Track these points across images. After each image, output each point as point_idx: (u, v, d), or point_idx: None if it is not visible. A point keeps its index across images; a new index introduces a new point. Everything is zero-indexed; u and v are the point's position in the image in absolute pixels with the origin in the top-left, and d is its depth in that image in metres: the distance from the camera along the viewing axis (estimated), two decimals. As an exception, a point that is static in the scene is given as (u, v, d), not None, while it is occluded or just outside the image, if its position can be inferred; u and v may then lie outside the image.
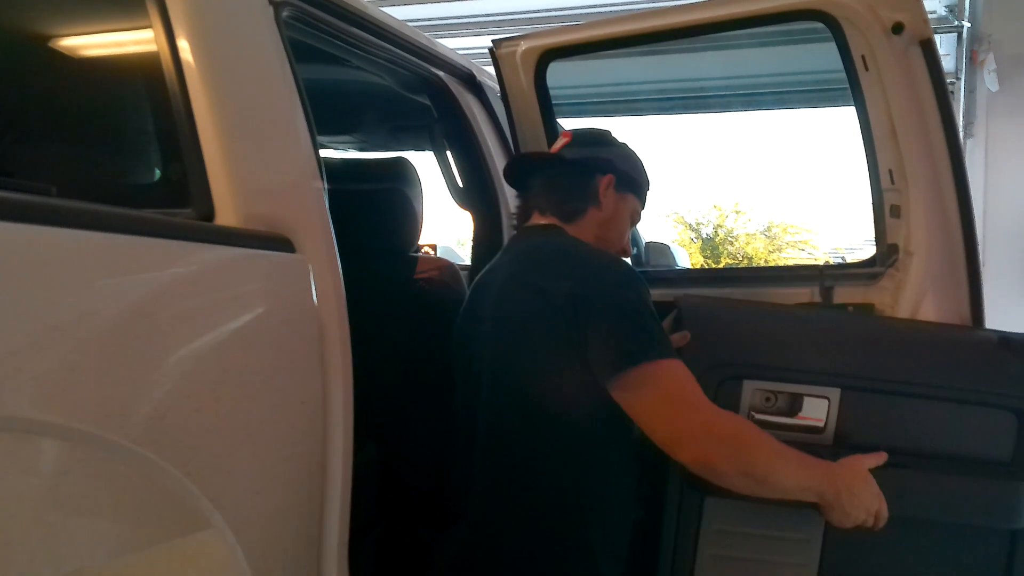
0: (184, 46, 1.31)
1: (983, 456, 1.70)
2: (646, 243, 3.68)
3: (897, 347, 1.78)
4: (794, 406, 1.73)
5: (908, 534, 1.71)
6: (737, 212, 19.24)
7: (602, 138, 1.95)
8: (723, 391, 1.72)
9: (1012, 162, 4.58)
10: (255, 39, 1.46)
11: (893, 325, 1.86)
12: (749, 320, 1.82)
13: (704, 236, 19.22)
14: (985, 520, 1.69)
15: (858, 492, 1.54)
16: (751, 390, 1.73)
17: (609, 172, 1.85)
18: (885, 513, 1.55)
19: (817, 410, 1.72)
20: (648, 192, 1.97)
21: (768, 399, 1.74)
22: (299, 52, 1.57)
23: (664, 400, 1.51)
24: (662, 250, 3.77)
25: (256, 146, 1.39)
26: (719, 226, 19.25)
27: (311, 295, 1.38)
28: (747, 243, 18.92)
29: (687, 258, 4.70)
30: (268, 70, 1.47)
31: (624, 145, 1.95)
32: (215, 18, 1.38)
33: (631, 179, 1.90)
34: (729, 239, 19.04)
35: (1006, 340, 1.73)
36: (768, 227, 19.01)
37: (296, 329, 1.35)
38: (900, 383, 1.72)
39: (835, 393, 1.72)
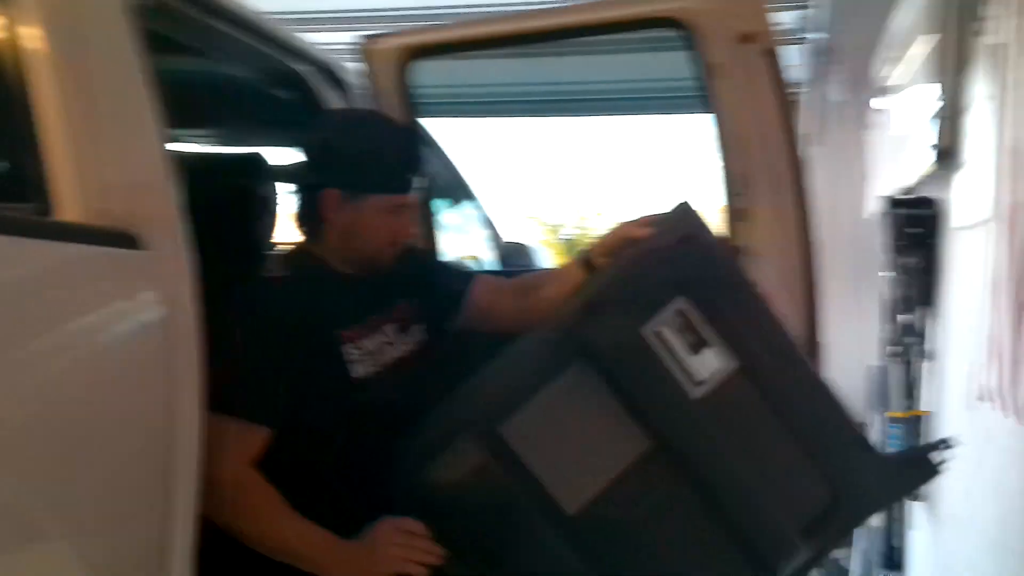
0: (25, 33, 1.24)
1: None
2: (507, 243, 3.72)
3: (809, 378, 1.86)
4: (697, 347, 1.75)
5: (675, 517, 1.77)
6: (596, 214, 19.64)
7: (324, 139, 1.80)
8: (661, 290, 1.75)
9: (856, 169, 4.82)
10: (103, 27, 1.40)
11: (813, 371, 1.93)
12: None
13: (565, 238, 19.54)
14: (728, 544, 1.76)
15: (368, 561, 1.64)
16: (684, 305, 1.75)
17: (333, 186, 1.72)
18: (415, 555, 1.64)
19: (708, 366, 1.76)
20: (402, 176, 1.78)
21: (684, 326, 1.75)
22: (152, 42, 1.51)
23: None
24: (522, 250, 3.83)
25: (103, 138, 1.33)
26: (580, 228, 19.61)
27: (159, 294, 1.33)
28: (608, 244, 19.28)
29: (548, 258, 4.77)
30: (117, 60, 1.41)
31: (355, 136, 1.79)
32: (61, 5, 1.32)
33: (366, 179, 1.74)
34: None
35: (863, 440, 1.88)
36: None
37: (143, 329, 1.31)
38: (785, 402, 1.80)
39: (733, 365, 1.77)
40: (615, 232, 1.90)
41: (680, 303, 1.76)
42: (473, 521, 1.70)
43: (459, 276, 2.09)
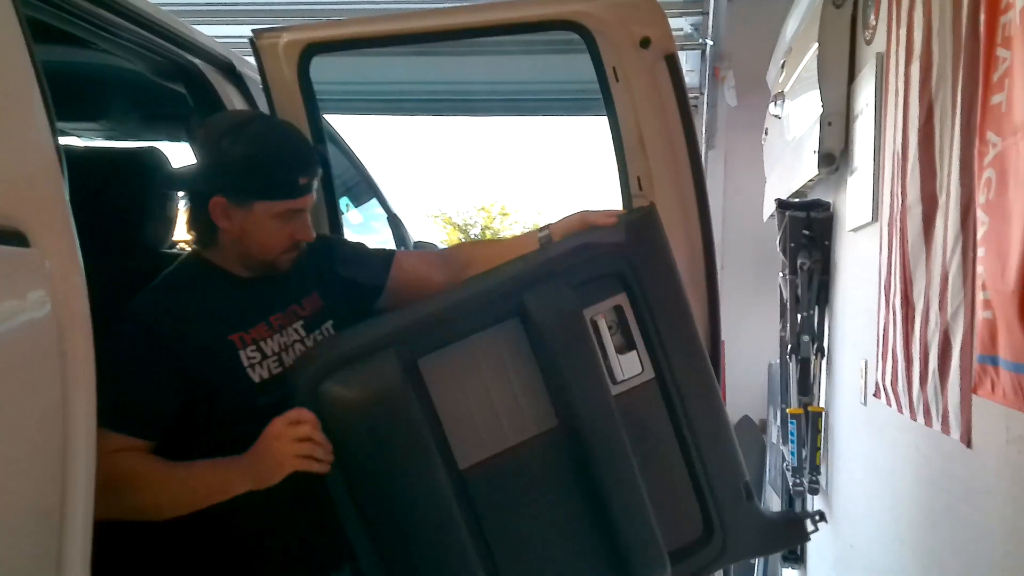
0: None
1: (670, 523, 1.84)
2: (415, 242, 3.71)
3: (716, 415, 1.91)
4: (623, 348, 1.80)
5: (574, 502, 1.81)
6: (503, 214, 19.71)
7: (209, 146, 1.74)
8: (606, 282, 1.79)
9: (748, 173, 4.96)
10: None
11: (723, 410, 1.98)
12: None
13: (472, 237, 19.55)
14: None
15: (264, 461, 1.61)
16: (620, 302, 1.80)
17: (218, 194, 1.70)
18: (310, 450, 1.61)
19: (629, 369, 1.81)
20: (285, 182, 1.72)
21: (613, 325, 1.80)
22: (39, 32, 1.46)
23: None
24: (430, 249, 3.81)
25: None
26: (486, 227, 19.65)
27: (48, 293, 1.28)
28: (513, 244, 19.32)
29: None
30: (2, 50, 1.35)
31: (239, 143, 1.70)
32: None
33: (250, 186, 1.70)
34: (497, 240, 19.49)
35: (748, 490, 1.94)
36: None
37: (31, 330, 1.25)
38: (688, 427, 1.85)
39: (650, 374, 1.82)
40: (579, 215, 1.92)
41: (621, 300, 1.80)
42: (367, 441, 1.68)
43: (377, 258, 2.02)
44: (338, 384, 1.67)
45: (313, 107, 2.27)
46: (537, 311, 1.74)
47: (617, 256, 1.82)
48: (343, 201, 2.92)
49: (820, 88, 3.01)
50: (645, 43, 2.02)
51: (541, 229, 1.95)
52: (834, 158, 3.00)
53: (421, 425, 1.69)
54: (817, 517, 2.02)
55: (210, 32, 2.51)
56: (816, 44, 3.04)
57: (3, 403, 1.18)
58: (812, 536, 2.03)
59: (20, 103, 1.36)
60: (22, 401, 1.22)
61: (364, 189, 3.44)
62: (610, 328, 1.80)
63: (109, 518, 1.45)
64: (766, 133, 4.45)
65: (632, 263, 1.83)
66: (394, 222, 3.60)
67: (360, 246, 2.08)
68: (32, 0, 1.54)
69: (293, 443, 1.60)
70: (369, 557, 1.72)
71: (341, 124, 3.09)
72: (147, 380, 1.64)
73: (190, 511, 1.62)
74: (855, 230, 2.92)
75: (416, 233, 3.81)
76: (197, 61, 2.26)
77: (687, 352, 1.88)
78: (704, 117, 5.18)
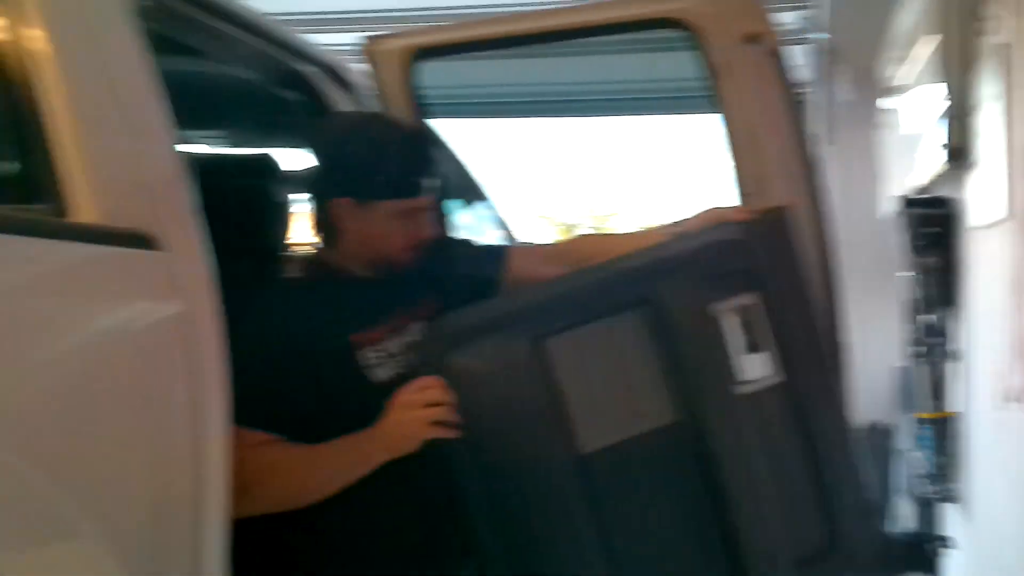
0: (33, 35, 1.25)
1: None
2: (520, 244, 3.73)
3: (843, 426, 1.85)
4: (749, 348, 1.76)
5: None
6: (612, 215, 19.60)
7: (329, 147, 1.77)
8: (735, 280, 1.78)
9: (866, 168, 4.82)
10: (110, 29, 1.41)
11: (849, 423, 1.93)
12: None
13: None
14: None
15: (397, 430, 1.61)
16: (755, 302, 1.77)
17: (343, 194, 1.71)
18: (442, 415, 1.60)
19: (753, 370, 1.76)
20: (407, 181, 1.74)
21: (739, 325, 1.76)
22: (158, 44, 1.52)
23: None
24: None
25: (113, 139, 1.33)
26: (595, 228, 19.57)
27: (179, 294, 1.34)
28: (620, 246, 19.15)
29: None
30: (124, 61, 1.41)
31: (359, 143, 1.74)
32: (66, 6, 1.33)
33: (374, 186, 1.71)
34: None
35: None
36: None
37: (164, 329, 1.31)
38: (816, 434, 1.79)
39: (774, 377, 1.77)
40: (712, 211, 1.90)
41: (753, 299, 1.77)
42: (492, 415, 1.68)
43: (490, 256, 2.04)
44: (465, 356, 1.68)
45: (422, 112, 2.31)
46: (666, 303, 1.73)
47: (747, 254, 1.79)
48: (450, 204, 2.96)
49: (938, 81, 2.90)
50: (751, 39, 1.98)
51: (674, 223, 1.93)
52: (964, 152, 2.87)
53: (546, 404, 1.69)
54: (942, 543, 1.94)
55: (321, 40, 2.57)
56: (934, 35, 2.93)
57: (142, 399, 1.24)
58: (936, 568, 1.94)
59: (142, 111, 1.41)
60: (158, 396, 1.27)
61: (470, 192, 3.47)
62: (736, 327, 1.77)
63: (259, 512, 1.52)
64: (880, 128, 4.31)
65: (761, 262, 1.80)
66: (499, 224, 3.63)
67: (473, 244, 2.10)
68: (147, 12, 1.60)
69: (424, 409, 1.61)
70: (489, 533, 1.73)
71: (448, 128, 3.13)
72: (276, 378, 1.64)
73: (337, 489, 1.63)
74: (984, 228, 2.79)
75: (522, 235, 3.82)
76: (308, 68, 2.32)
77: (813, 357, 1.83)
78: (819, 112, 5.04)
